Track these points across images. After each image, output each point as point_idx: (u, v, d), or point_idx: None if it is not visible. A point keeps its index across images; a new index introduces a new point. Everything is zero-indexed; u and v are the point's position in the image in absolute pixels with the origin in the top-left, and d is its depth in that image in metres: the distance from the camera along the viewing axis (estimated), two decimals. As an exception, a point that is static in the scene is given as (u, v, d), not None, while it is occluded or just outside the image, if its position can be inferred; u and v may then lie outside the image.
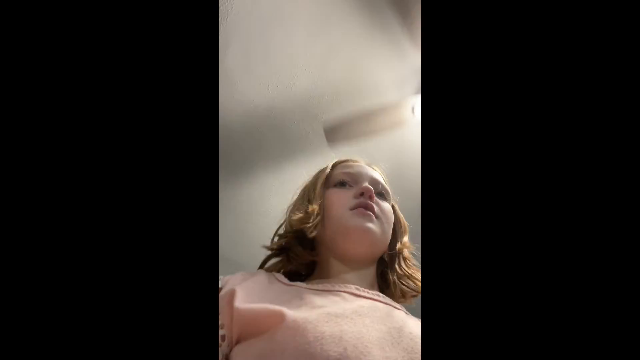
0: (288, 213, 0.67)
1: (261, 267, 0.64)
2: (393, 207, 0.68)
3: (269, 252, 0.64)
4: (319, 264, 0.63)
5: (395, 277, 0.63)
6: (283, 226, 0.66)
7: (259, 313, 0.44)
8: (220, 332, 0.44)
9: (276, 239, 0.65)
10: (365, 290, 0.55)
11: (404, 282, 0.62)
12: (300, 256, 0.61)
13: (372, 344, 0.41)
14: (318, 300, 0.48)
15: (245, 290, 0.48)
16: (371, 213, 0.60)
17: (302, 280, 0.59)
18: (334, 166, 0.69)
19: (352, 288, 0.54)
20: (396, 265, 0.64)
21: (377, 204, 0.62)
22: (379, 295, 0.55)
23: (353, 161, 0.69)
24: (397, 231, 0.67)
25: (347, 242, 0.59)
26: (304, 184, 0.69)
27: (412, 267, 0.65)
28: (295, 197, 0.69)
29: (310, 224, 0.59)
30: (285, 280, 0.56)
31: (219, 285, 0.51)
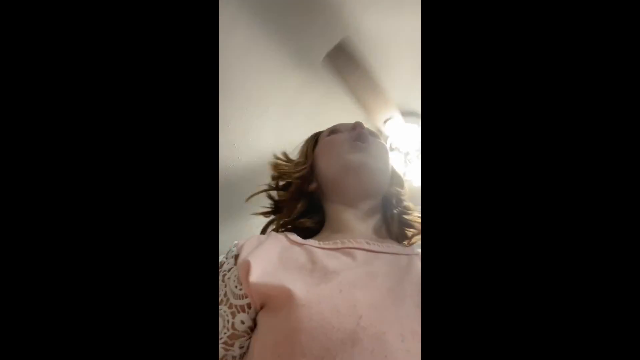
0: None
1: (263, 232, 0.64)
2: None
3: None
4: (327, 216, 0.63)
5: (396, 213, 0.64)
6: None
7: (271, 289, 0.44)
8: (246, 300, 0.46)
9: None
10: (376, 243, 0.54)
11: (405, 219, 0.63)
12: (296, 206, 0.62)
13: (387, 309, 0.41)
14: (330, 262, 0.48)
15: (260, 260, 0.48)
16: (367, 145, 0.61)
17: (315, 234, 0.60)
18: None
19: (363, 243, 0.53)
20: (394, 202, 0.65)
21: (371, 140, 0.63)
22: (389, 247, 0.54)
23: None
24: (392, 175, 0.67)
25: (349, 177, 0.60)
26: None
27: (412, 209, 0.65)
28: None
29: (302, 170, 0.62)
30: (298, 238, 0.56)
31: (235, 252, 0.51)
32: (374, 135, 0.67)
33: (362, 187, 0.60)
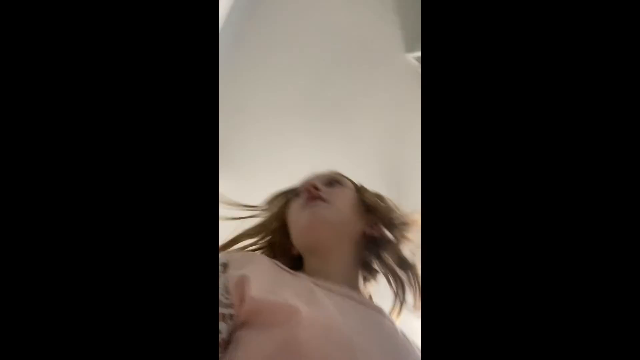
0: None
1: (233, 242, 0.65)
2: (359, 189, 0.69)
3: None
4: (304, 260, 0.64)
5: (383, 267, 0.66)
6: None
7: (276, 306, 0.44)
8: (229, 310, 0.44)
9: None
10: (358, 296, 0.57)
11: (394, 274, 0.65)
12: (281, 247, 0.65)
13: (363, 352, 0.44)
14: (323, 297, 0.50)
15: (258, 278, 0.48)
16: (318, 199, 0.62)
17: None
18: None
19: (348, 291, 0.56)
20: (380, 252, 0.66)
21: (325, 191, 0.64)
22: (361, 300, 0.57)
23: None
24: (368, 212, 0.67)
25: (305, 234, 0.62)
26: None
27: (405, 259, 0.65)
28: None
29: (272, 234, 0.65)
30: (288, 269, 0.57)
31: (223, 260, 0.52)
32: (333, 184, 0.67)
33: (317, 239, 0.62)
